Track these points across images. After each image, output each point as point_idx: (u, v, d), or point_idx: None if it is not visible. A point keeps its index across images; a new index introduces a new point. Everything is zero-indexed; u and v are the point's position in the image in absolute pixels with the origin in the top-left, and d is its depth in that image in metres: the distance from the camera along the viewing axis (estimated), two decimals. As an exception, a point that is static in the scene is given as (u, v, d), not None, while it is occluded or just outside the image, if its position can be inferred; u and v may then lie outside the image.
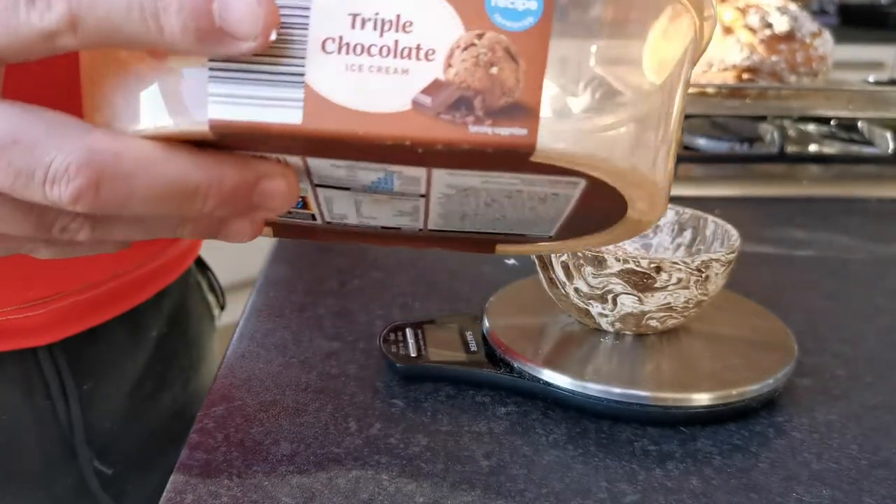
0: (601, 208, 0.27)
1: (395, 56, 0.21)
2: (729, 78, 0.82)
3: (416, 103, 0.21)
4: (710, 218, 0.44)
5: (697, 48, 0.26)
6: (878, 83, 0.99)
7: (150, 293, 0.53)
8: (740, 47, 0.81)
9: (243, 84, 0.22)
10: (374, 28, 0.21)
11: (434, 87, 0.21)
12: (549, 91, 0.22)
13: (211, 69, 0.22)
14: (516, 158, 0.22)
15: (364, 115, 0.21)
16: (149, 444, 0.54)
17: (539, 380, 0.38)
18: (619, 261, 0.38)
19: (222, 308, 0.65)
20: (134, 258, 0.50)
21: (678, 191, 0.74)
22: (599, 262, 0.38)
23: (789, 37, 0.81)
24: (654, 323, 0.40)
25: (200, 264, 0.62)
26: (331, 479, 0.33)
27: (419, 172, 0.25)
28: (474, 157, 0.22)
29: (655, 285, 0.38)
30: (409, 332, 0.43)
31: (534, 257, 0.42)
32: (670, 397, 0.37)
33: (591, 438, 0.36)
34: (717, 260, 0.38)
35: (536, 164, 0.23)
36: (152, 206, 0.23)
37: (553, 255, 0.39)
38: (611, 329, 0.41)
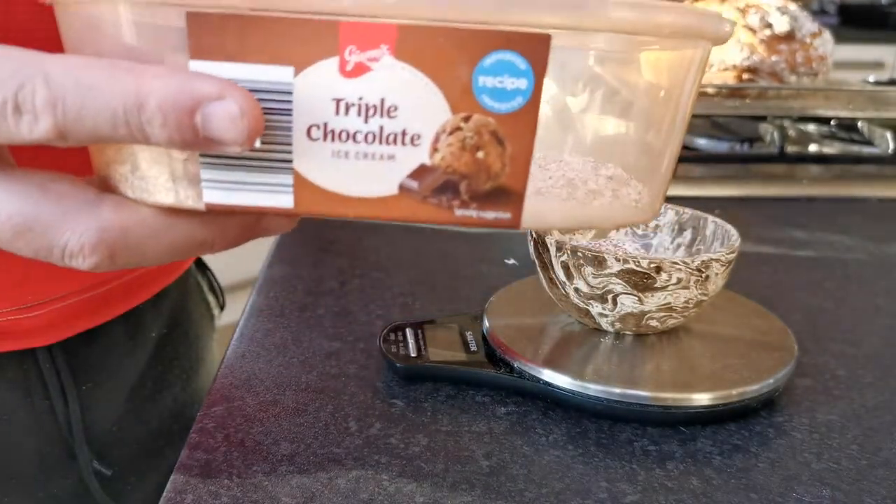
0: None
1: (380, 142, 0.21)
2: (729, 78, 0.82)
3: (402, 188, 0.22)
4: (710, 218, 0.44)
5: (702, 71, 0.26)
6: (878, 83, 0.98)
7: (149, 294, 0.53)
8: (740, 47, 0.81)
9: (234, 171, 0.22)
10: (359, 114, 0.21)
11: (420, 172, 0.21)
12: (535, 173, 0.22)
13: (202, 155, 0.22)
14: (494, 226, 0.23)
15: (353, 199, 0.22)
16: (148, 445, 0.54)
17: (539, 380, 0.38)
18: (619, 261, 0.38)
19: (222, 308, 0.65)
20: None
21: (678, 191, 0.74)
22: (599, 262, 0.38)
23: (789, 37, 0.81)
24: (654, 323, 0.40)
25: (200, 265, 0.62)
26: (331, 479, 0.33)
27: None
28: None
29: (655, 285, 0.38)
30: (409, 332, 0.43)
31: (534, 257, 0.42)
32: (670, 397, 0.37)
33: (591, 438, 0.36)
34: (717, 260, 0.38)
35: None
36: (165, 261, 0.24)
37: (553, 255, 0.39)
38: (611, 329, 0.41)
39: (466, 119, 0.21)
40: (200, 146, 0.21)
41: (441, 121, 0.21)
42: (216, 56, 0.20)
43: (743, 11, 0.83)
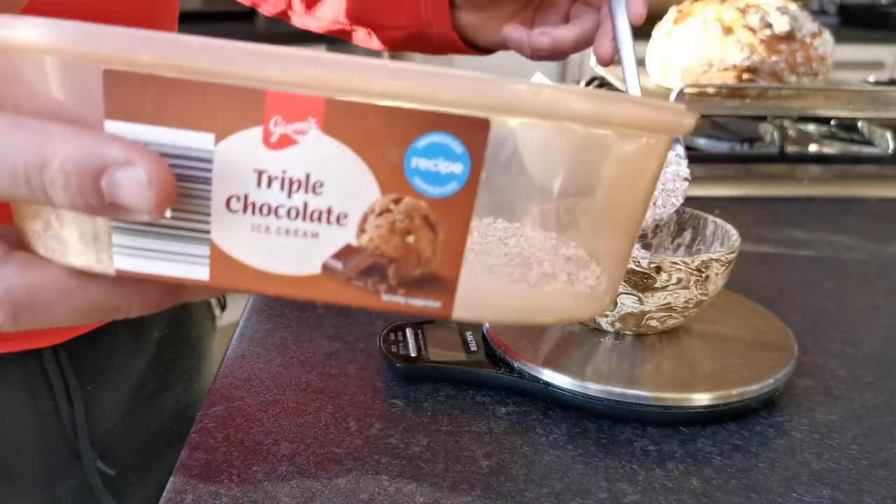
0: None
1: (304, 219, 0.20)
2: (729, 78, 0.82)
3: (326, 268, 0.20)
4: (710, 218, 0.44)
5: (662, 161, 0.25)
6: (877, 83, 0.98)
7: None
8: (740, 47, 0.81)
9: (147, 237, 0.20)
10: (282, 188, 0.20)
11: (346, 253, 0.20)
12: (464, 262, 0.20)
13: (114, 220, 0.20)
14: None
15: (273, 276, 0.20)
16: (151, 445, 0.54)
17: (539, 380, 0.38)
18: (619, 261, 0.38)
19: (223, 309, 0.65)
20: None
21: (678, 191, 0.74)
22: (599, 262, 0.38)
23: (789, 37, 0.81)
24: (654, 323, 0.40)
25: None
26: (331, 479, 0.33)
27: None
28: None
29: (655, 285, 0.38)
30: (409, 332, 0.43)
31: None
32: (670, 397, 0.37)
33: (591, 438, 0.36)
34: (717, 260, 0.38)
35: None
36: (76, 324, 0.23)
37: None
38: (611, 329, 0.41)
39: (397, 201, 0.20)
40: (107, 212, 0.20)
41: (370, 201, 0.20)
42: (133, 118, 0.19)
43: (743, 11, 0.83)
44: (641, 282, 0.38)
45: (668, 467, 0.35)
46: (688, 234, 0.45)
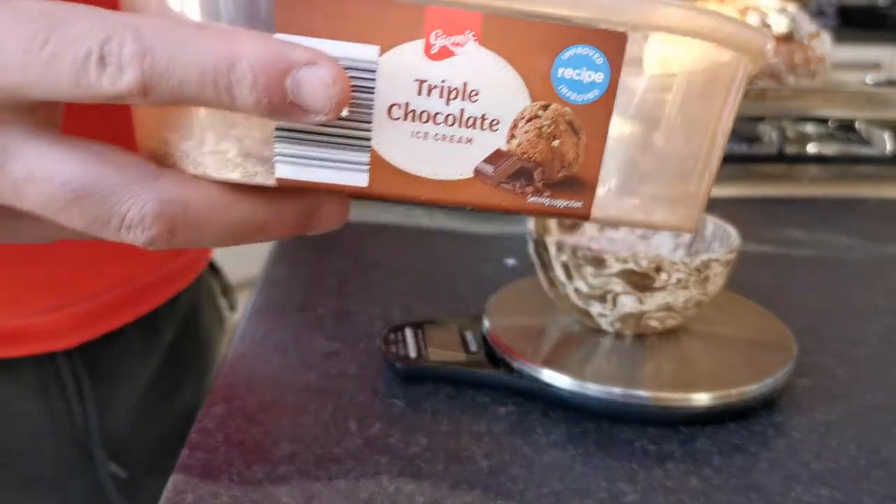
0: None
1: (460, 125, 0.22)
2: (728, 78, 0.81)
3: (478, 172, 0.22)
4: (710, 218, 0.44)
5: (746, 80, 0.27)
6: (876, 84, 0.99)
7: (166, 297, 0.53)
8: (739, 48, 0.80)
9: (309, 146, 0.22)
10: (441, 96, 0.21)
11: (496, 157, 0.22)
12: (607, 164, 0.22)
13: (277, 128, 0.22)
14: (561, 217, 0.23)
15: (428, 181, 0.22)
16: (162, 446, 0.54)
17: (539, 380, 0.38)
18: (619, 261, 0.38)
19: (233, 310, 0.65)
20: (149, 263, 0.51)
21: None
22: (599, 263, 0.38)
23: (788, 38, 0.81)
24: (653, 323, 0.40)
25: (213, 268, 0.62)
26: (331, 479, 0.33)
27: None
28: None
29: (655, 285, 0.38)
30: (408, 332, 0.43)
31: (534, 257, 0.42)
32: (670, 397, 0.37)
33: (591, 438, 0.36)
34: (716, 260, 0.38)
35: None
36: (221, 243, 0.24)
37: (553, 256, 0.39)
38: (611, 329, 0.41)
39: (544, 107, 0.22)
40: (285, 112, 0.20)
41: (520, 108, 0.21)
42: (302, 31, 0.21)
43: (742, 12, 0.83)
44: (641, 282, 0.38)
45: (667, 467, 0.35)
46: (687, 234, 0.45)
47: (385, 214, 0.66)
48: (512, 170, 0.22)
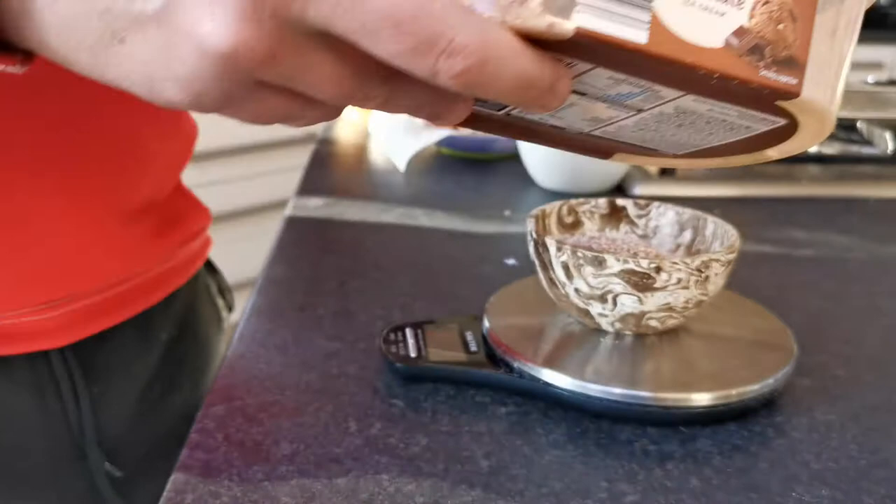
0: (763, 140, 0.32)
1: None
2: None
3: (727, 42, 0.25)
4: (710, 218, 0.44)
5: None
6: (877, 84, 0.99)
7: (161, 295, 0.53)
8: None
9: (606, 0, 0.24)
10: None
11: (740, 32, 0.25)
12: (813, 48, 0.26)
13: None
14: (772, 99, 0.26)
15: (690, 46, 0.24)
16: (158, 446, 0.54)
17: (539, 380, 0.38)
18: (619, 261, 0.38)
19: (230, 310, 0.65)
20: (145, 261, 0.51)
21: (678, 191, 0.74)
22: (599, 262, 0.38)
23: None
24: (654, 323, 0.40)
25: (209, 267, 0.62)
26: (331, 479, 0.33)
27: (673, 94, 0.28)
28: (739, 93, 0.26)
29: (655, 285, 0.38)
30: (408, 332, 0.43)
31: (534, 257, 0.42)
32: (670, 397, 0.37)
33: (591, 438, 0.36)
34: (717, 260, 0.38)
35: (776, 105, 0.27)
36: (497, 94, 0.24)
37: (553, 256, 0.39)
38: (611, 329, 0.41)
39: None
40: None
41: None
42: None
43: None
44: (641, 282, 0.38)
45: (667, 467, 0.35)
46: (688, 234, 0.45)
47: (385, 214, 0.66)
48: (751, 45, 0.25)
